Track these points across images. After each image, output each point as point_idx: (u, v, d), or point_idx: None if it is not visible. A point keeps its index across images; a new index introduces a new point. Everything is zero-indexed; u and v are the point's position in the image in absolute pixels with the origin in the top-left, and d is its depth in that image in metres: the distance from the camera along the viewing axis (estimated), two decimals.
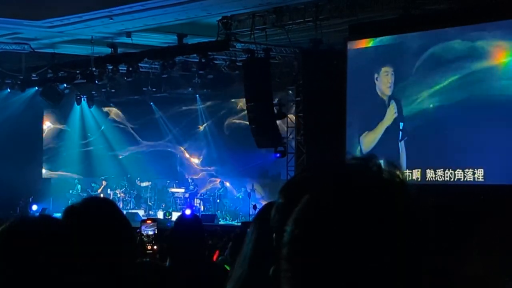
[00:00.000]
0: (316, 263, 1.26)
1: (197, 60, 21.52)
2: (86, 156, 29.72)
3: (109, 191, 27.61)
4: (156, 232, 6.15)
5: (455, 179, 16.87)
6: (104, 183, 28.20)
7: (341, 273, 1.25)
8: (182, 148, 28.47)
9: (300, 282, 1.28)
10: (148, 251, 5.93)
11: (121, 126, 29.86)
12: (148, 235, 5.92)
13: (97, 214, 2.86)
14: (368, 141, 18.51)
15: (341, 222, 1.26)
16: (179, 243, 4.90)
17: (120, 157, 29.63)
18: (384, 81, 18.28)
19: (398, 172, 1.33)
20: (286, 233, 1.31)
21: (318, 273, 1.26)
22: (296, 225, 1.30)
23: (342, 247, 1.25)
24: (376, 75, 18.36)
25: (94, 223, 2.79)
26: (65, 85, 24.97)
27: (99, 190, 27.83)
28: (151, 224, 6.31)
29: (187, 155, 28.50)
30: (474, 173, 16.62)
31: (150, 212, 25.91)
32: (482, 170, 16.47)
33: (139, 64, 22.82)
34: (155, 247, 6.10)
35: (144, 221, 6.46)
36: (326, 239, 1.26)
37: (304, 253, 1.27)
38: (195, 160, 28.23)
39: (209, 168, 27.59)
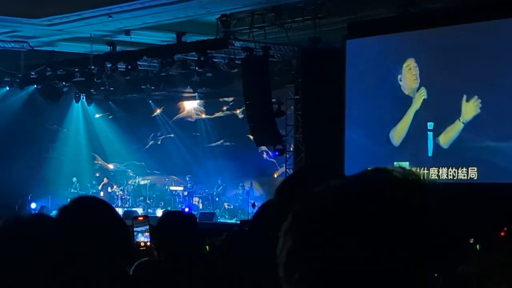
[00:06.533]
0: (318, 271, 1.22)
1: (196, 58, 21.51)
2: (85, 153, 29.71)
3: (109, 189, 27.58)
4: (147, 227, 6.12)
5: (449, 178, 16.85)
6: (106, 180, 28.17)
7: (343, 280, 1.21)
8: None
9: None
10: (141, 247, 5.91)
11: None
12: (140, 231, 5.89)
13: (90, 213, 2.86)
14: (398, 132, 18.12)
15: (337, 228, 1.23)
16: (169, 237, 4.78)
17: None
18: (409, 76, 17.88)
19: (412, 172, 1.31)
20: (282, 240, 1.27)
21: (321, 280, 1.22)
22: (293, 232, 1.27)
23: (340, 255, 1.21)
24: (399, 76, 17.99)
25: (88, 222, 2.79)
26: (63, 83, 24.94)
27: (100, 187, 27.79)
28: (143, 220, 6.29)
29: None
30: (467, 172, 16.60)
31: (149, 210, 25.86)
32: (476, 168, 16.46)
33: (138, 62, 22.80)
34: (148, 242, 6.09)
35: (135, 218, 6.45)
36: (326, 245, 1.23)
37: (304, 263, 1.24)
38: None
39: None
